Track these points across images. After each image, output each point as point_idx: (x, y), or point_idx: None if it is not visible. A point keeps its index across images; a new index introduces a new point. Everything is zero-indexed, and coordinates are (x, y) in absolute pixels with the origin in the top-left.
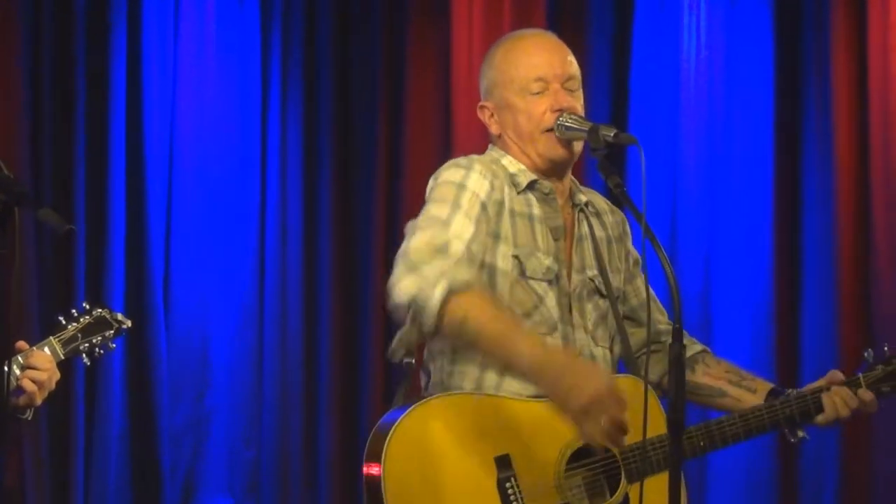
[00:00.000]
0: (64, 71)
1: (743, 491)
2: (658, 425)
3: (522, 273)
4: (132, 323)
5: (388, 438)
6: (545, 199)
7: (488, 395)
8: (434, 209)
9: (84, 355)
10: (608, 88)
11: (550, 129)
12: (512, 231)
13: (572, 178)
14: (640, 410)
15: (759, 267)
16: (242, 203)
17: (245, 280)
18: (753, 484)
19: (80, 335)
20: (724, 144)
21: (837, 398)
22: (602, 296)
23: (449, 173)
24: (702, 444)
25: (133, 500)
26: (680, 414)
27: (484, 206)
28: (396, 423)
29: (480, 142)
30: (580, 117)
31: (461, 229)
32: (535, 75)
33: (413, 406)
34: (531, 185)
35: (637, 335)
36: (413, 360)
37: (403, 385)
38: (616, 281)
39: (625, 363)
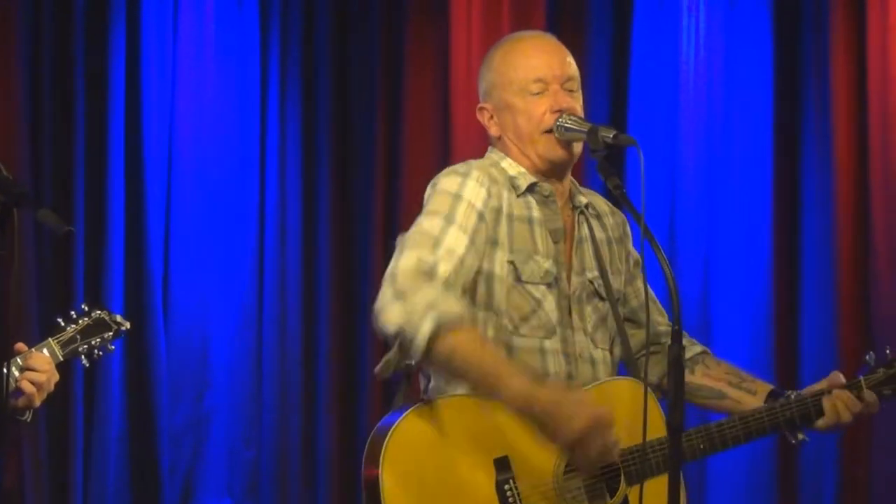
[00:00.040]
0: (63, 71)
1: (742, 492)
2: (658, 428)
3: (518, 278)
4: (131, 323)
5: (386, 441)
6: (545, 201)
7: (486, 399)
8: (426, 223)
9: (83, 357)
10: (607, 89)
11: (550, 131)
12: (509, 236)
13: (572, 179)
14: (639, 413)
15: (758, 268)
16: (241, 203)
17: (244, 280)
18: (753, 485)
19: (78, 337)
20: (723, 146)
21: (839, 402)
22: (602, 298)
23: (446, 182)
24: (701, 446)
25: (132, 501)
26: (679, 415)
27: (481, 216)
28: (395, 426)
29: (479, 141)
30: (580, 118)
31: (454, 243)
32: (534, 76)
33: (412, 408)
34: (531, 188)
35: (637, 336)
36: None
37: (403, 387)
38: (616, 283)
39: (625, 365)
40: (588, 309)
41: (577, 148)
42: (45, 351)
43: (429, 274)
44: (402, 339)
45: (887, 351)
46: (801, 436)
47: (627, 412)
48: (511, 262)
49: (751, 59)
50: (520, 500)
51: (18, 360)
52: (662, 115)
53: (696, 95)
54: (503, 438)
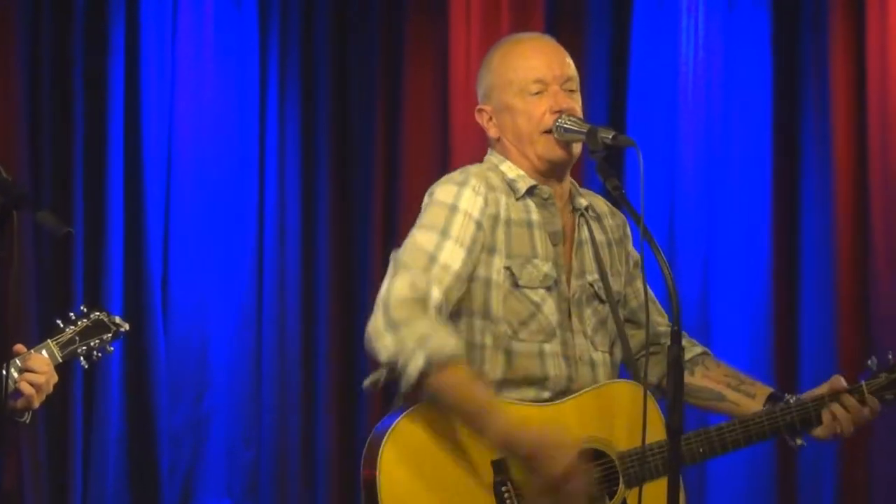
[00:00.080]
0: (62, 72)
1: (742, 496)
2: (657, 431)
3: (516, 284)
4: (130, 324)
5: (383, 442)
6: (544, 204)
7: None
8: (421, 237)
9: (82, 358)
10: (606, 90)
11: (549, 131)
12: (506, 242)
13: (572, 180)
14: (638, 416)
15: (758, 269)
16: (241, 203)
17: (243, 281)
18: (752, 489)
19: (77, 338)
20: (722, 147)
21: (839, 411)
22: (602, 301)
23: (442, 192)
24: (701, 450)
25: (132, 502)
26: (678, 417)
27: (479, 225)
28: (392, 427)
29: (478, 142)
30: (579, 119)
31: (449, 259)
32: (533, 77)
33: (410, 409)
34: (530, 191)
35: (637, 337)
36: None
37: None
38: (616, 285)
39: (625, 366)
40: (588, 311)
41: (577, 148)
42: (43, 352)
43: (422, 302)
44: (392, 368)
45: (889, 355)
46: (799, 441)
47: (627, 415)
48: (508, 268)
49: (750, 59)
50: (517, 502)
51: (17, 361)
52: (661, 115)
53: (696, 96)
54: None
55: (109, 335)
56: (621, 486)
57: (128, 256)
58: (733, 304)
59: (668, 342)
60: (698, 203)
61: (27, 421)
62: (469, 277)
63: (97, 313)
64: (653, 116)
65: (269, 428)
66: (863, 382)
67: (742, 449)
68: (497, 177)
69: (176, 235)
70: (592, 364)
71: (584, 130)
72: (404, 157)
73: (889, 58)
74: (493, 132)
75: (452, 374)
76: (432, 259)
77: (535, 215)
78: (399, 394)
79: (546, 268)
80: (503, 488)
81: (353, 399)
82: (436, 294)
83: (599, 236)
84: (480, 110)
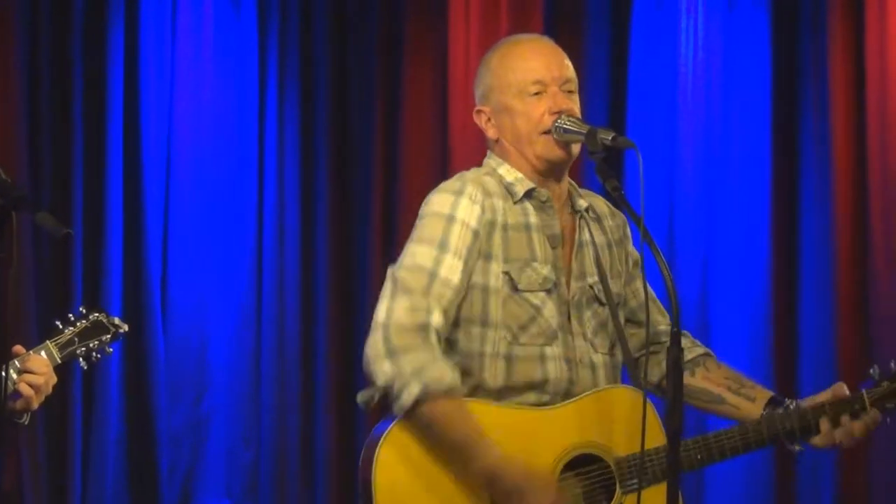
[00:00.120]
0: (61, 73)
1: (741, 501)
2: (655, 438)
3: (515, 288)
4: (130, 325)
5: (380, 444)
6: (542, 207)
7: (483, 402)
8: (420, 253)
9: (81, 359)
10: (605, 91)
11: (548, 131)
12: (503, 247)
13: (571, 181)
14: (638, 421)
15: (757, 269)
16: (240, 204)
17: (243, 281)
18: (751, 494)
19: (76, 339)
20: (721, 147)
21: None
22: (602, 303)
23: (438, 201)
24: (699, 457)
25: (131, 503)
26: (678, 419)
27: (476, 234)
28: (388, 429)
29: (477, 142)
30: (578, 120)
31: (449, 273)
32: (532, 78)
33: None
34: (528, 194)
35: (638, 336)
36: None
37: None
38: (616, 287)
39: (626, 367)
40: (587, 314)
41: (576, 148)
42: (42, 353)
43: (423, 331)
44: (388, 393)
45: (892, 364)
46: (797, 446)
47: (626, 421)
48: (506, 273)
49: (749, 60)
50: None
51: (16, 362)
52: (661, 116)
53: (695, 97)
54: (498, 443)
55: (108, 336)
56: (618, 491)
57: (127, 257)
58: (732, 305)
59: (669, 342)
60: (698, 203)
61: (26, 422)
62: (465, 289)
63: (96, 314)
64: (652, 117)
65: (269, 428)
66: (864, 391)
67: (741, 456)
68: (494, 181)
69: (175, 236)
70: (593, 366)
71: (584, 131)
72: (403, 157)
73: (888, 58)
74: (491, 133)
75: (445, 405)
76: (432, 276)
77: (533, 218)
78: None
79: (545, 271)
80: None
81: (352, 399)
82: (436, 319)
83: (599, 238)
84: (479, 111)
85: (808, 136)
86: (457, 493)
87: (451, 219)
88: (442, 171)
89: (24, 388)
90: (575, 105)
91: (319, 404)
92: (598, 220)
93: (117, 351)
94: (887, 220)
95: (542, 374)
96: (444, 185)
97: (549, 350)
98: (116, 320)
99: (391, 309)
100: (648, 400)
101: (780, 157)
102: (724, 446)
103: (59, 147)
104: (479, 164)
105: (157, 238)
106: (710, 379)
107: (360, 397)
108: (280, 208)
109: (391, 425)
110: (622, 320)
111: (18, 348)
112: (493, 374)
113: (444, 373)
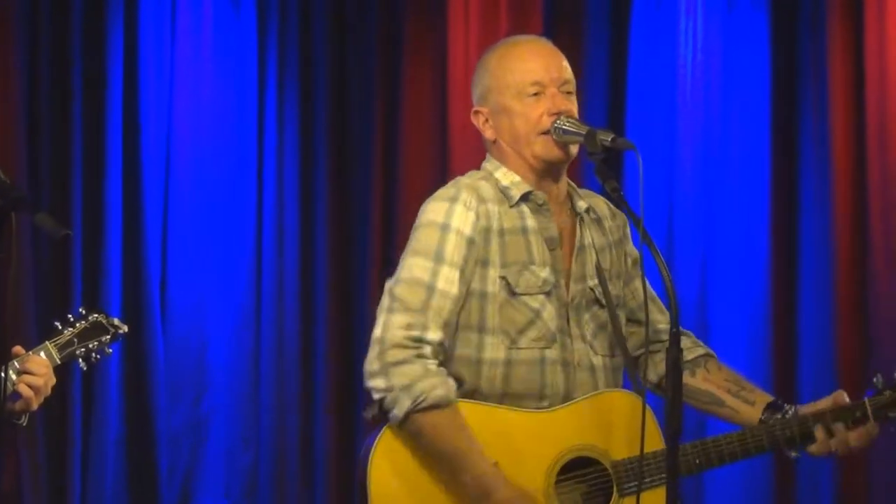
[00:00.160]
0: (61, 73)
1: (741, 501)
2: (653, 442)
3: (512, 292)
4: (129, 326)
5: (374, 445)
6: (539, 209)
7: (480, 404)
8: (417, 267)
9: (80, 360)
10: (605, 92)
11: (547, 132)
12: (500, 252)
13: (571, 182)
14: (637, 425)
15: (756, 270)
16: (239, 205)
17: (242, 282)
18: (750, 496)
19: (76, 340)
20: (720, 148)
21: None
22: (601, 305)
23: (433, 209)
24: (697, 461)
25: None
26: (677, 420)
27: (471, 242)
28: (383, 430)
29: (476, 143)
30: (577, 120)
31: (446, 285)
32: (531, 79)
33: None
34: (524, 197)
35: (638, 335)
36: None
37: None
38: (616, 288)
39: (626, 366)
40: (586, 316)
41: (574, 149)
42: (42, 354)
43: (417, 347)
44: (382, 405)
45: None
46: (795, 453)
47: (624, 424)
48: (503, 278)
49: (748, 61)
50: None
51: (16, 363)
52: (660, 117)
53: (694, 98)
54: (494, 445)
55: (108, 337)
56: (615, 495)
57: (126, 258)
58: (732, 305)
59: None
60: (697, 204)
61: (25, 423)
62: (463, 297)
63: (96, 315)
64: (652, 118)
65: (268, 429)
66: (866, 400)
67: (739, 461)
68: (490, 186)
69: (174, 237)
70: (592, 369)
71: (583, 132)
72: (403, 157)
73: (887, 59)
74: (488, 134)
75: (435, 417)
76: (430, 290)
77: (530, 221)
78: None
79: (544, 273)
80: None
81: (351, 400)
82: (433, 335)
83: (599, 240)
84: (476, 112)
85: (807, 137)
86: (454, 493)
87: (445, 228)
88: (441, 171)
89: (24, 389)
90: (573, 106)
91: (319, 405)
92: (599, 221)
93: (117, 351)
94: (887, 220)
95: (541, 378)
96: (439, 192)
97: (548, 353)
98: (116, 321)
99: (387, 325)
100: (648, 395)
101: (779, 158)
102: (722, 452)
103: (59, 147)
104: (479, 165)
105: (156, 239)
106: (710, 380)
107: (366, 413)
108: (279, 208)
109: (385, 427)
110: (622, 320)
111: (18, 349)
112: (491, 380)
113: (434, 386)
